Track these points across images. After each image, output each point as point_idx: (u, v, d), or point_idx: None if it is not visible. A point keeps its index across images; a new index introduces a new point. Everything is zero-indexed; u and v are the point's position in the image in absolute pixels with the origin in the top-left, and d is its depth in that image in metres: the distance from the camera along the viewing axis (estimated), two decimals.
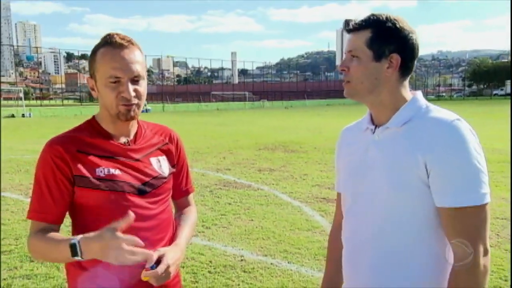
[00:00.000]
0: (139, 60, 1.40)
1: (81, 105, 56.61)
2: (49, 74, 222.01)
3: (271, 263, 4.09)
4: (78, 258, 1.25)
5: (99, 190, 1.37)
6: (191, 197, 1.71)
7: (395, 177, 1.24)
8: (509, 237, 4.61)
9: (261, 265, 4.03)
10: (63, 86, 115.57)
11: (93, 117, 1.50)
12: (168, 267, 1.31)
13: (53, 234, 1.36)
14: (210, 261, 4.12)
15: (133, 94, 1.37)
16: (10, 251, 4.41)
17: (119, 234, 1.20)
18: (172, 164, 1.58)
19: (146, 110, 40.35)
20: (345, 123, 1.57)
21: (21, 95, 42.46)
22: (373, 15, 1.28)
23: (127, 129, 1.48)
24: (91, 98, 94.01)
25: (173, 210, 1.66)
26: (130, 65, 1.36)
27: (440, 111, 1.26)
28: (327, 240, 1.65)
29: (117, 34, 1.40)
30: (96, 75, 1.40)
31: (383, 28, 1.25)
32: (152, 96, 74.76)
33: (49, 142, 1.40)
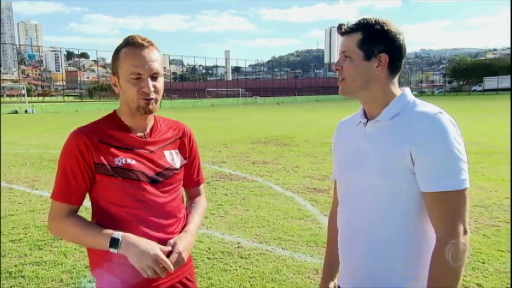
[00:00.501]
0: (158, 59, 1.47)
1: (81, 101, 56.19)
2: (50, 72, 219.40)
3: (266, 250, 4.14)
4: (113, 250, 1.36)
5: (116, 178, 1.44)
6: (201, 187, 1.78)
7: (384, 165, 1.29)
8: (488, 222, 4.71)
9: (256, 252, 4.09)
10: (64, 83, 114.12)
11: (114, 111, 1.56)
12: (180, 254, 1.41)
13: (87, 222, 1.45)
14: (209, 248, 4.17)
15: (152, 89, 1.44)
16: (20, 240, 4.43)
17: (162, 255, 1.36)
18: (184, 157, 1.63)
19: None
20: (333, 117, 1.63)
21: (24, 92, 42.12)
22: (363, 19, 1.33)
23: (145, 123, 1.54)
24: (90, 95, 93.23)
25: (184, 199, 1.71)
26: (150, 63, 1.43)
27: (425, 105, 1.32)
28: (320, 227, 1.71)
29: (138, 35, 1.46)
30: (119, 72, 1.46)
31: (372, 30, 1.30)
32: None
33: (74, 132, 1.47)
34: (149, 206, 1.47)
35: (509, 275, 3.47)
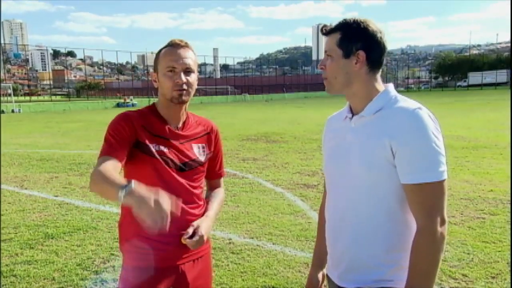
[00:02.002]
0: (192, 57, 1.65)
1: (69, 100, 55.42)
2: (37, 71, 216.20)
3: (257, 245, 4.18)
4: (120, 194, 1.27)
5: (150, 157, 1.61)
6: (221, 180, 1.96)
7: (366, 158, 1.34)
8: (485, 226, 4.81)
9: (248, 247, 4.12)
10: (51, 82, 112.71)
11: (153, 104, 1.75)
12: (202, 236, 1.60)
13: (115, 173, 1.42)
14: None
15: (184, 80, 1.61)
16: (11, 239, 4.40)
17: (166, 200, 1.23)
18: (209, 151, 1.80)
19: (132, 105, 39.84)
20: (321, 114, 1.68)
21: (10, 91, 41.40)
22: (344, 19, 1.39)
23: (178, 116, 1.71)
24: (78, 94, 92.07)
25: (205, 188, 1.87)
26: (183, 59, 1.62)
27: (405, 101, 1.36)
28: (309, 222, 1.76)
29: (178, 39, 1.67)
30: (158, 68, 1.65)
31: (349, 29, 1.36)
32: (138, 91, 73.71)
33: (123, 112, 1.66)
34: (173, 189, 1.58)
35: (493, 265, 3.56)
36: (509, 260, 3.62)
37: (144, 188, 1.31)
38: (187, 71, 1.63)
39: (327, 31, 1.41)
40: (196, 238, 1.58)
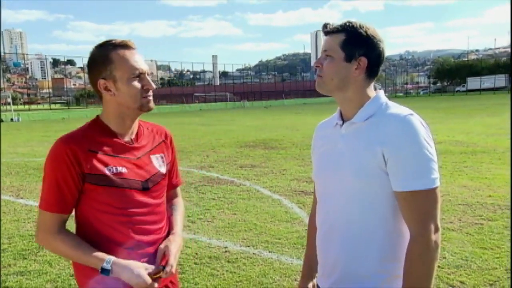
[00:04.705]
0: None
1: (68, 108, 55.55)
2: (36, 79, 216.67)
3: (253, 253, 4.13)
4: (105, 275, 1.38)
5: (108, 187, 1.43)
6: (178, 189, 1.81)
7: (358, 166, 1.31)
8: (472, 221, 4.77)
9: (244, 255, 4.08)
10: (50, 91, 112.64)
11: (97, 117, 1.53)
12: (172, 266, 1.48)
13: (78, 241, 1.43)
14: (196, 253, 4.14)
15: (154, 86, 1.50)
16: (4, 250, 4.35)
17: (146, 275, 1.39)
18: (168, 161, 1.65)
19: None
20: (320, 120, 1.64)
21: (9, 100, 41.43)
22: (349, 21, 1.35)
23: (131, 127, 1.54)
24: (78, 102, 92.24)
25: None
26: (144, 62, 1.49)
27: (397, 108, 1.34)
28: (306, 229, 1.72)
29: (121, 39, 1.48)
30: (116, 75, 1.43)
31: (356, 33, 1.32)
32: None
33: (61, 140, 1.42)
34: (140, 212, 1.49)
35: (491, 272, 3.52)
36: (508, 266, 3.58)
37: (124, 264, 1.39)
38: (149, 75, 1.51)
39: (330, 30, 1.36)
40: (167, 269, 1.46)
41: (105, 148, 1.46)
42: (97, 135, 1.47)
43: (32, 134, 19.09)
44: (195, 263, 3.90)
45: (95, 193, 1.42)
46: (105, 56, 1.43)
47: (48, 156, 1.42)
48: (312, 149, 1.60)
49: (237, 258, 4.00)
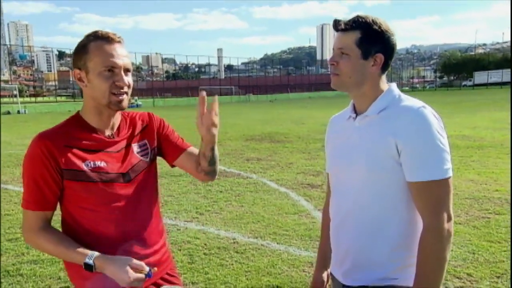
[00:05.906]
0: (128, 55, 1.45)
1: (74, 101, 55.80)
2: (42, 72, 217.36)
3: (262, 244, 4.19)
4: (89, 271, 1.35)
5: (86, 182, 1.39)
6: (192, 147, 1.69)
7: (371, 157, 1.35)
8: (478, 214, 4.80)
9: (252, 246, 4.13)
10: (56, 83, 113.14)
11: (78, 112, 1.50)
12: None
13: (61, 237, 1.41)
14: (205, 244, 4.20)
15: (127, 83, 1.41)
16: (17, 239, 4.43)
17: (130, 270, 1.32)
18: (153, 145, 1.59)
19: (137, 105, 40.02)
20: (326, 114, 1.68)
21: (16, 92, 41.72)
22: (360, 17, 1.35)
23: (111, 121, 1.49)
24: (83, 94, 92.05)
25: (158, 193, 1.65)
26: (123, 57, 1.41)
27: (409, 100, 1.37)
28: (314, 221, 1.76)
29: (111, 32, 1.42)
30: (89, 66, 1.39)
31: (371, 30, 1.33)
32: (142, 92, 74.09)
33: (37, 137, 1.39)
34: (124, 206, 1.45)
35: (498, 265, 3.55)
36: None
37: (107, 260, 1.33)
38: (127, 71, 1.42)
39: (344, 28, 1.36)
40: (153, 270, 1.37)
41: (83, 143, 1.42)
42: (74, 130, 1.44)
43: (39, 126, 19.20)
44: (205, 254, 3.96)
45: (74, 189, 1.40)
46: (84, 46, 1.40)
47: (25, 154, 1.40)
48: (325, 141, 1.64)
49: (245, 249, 4.06)
